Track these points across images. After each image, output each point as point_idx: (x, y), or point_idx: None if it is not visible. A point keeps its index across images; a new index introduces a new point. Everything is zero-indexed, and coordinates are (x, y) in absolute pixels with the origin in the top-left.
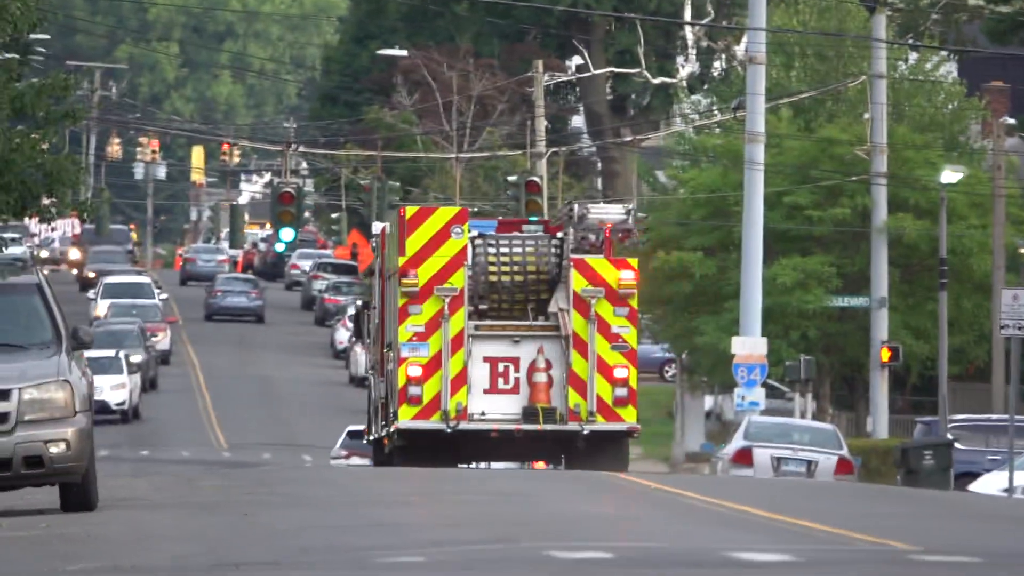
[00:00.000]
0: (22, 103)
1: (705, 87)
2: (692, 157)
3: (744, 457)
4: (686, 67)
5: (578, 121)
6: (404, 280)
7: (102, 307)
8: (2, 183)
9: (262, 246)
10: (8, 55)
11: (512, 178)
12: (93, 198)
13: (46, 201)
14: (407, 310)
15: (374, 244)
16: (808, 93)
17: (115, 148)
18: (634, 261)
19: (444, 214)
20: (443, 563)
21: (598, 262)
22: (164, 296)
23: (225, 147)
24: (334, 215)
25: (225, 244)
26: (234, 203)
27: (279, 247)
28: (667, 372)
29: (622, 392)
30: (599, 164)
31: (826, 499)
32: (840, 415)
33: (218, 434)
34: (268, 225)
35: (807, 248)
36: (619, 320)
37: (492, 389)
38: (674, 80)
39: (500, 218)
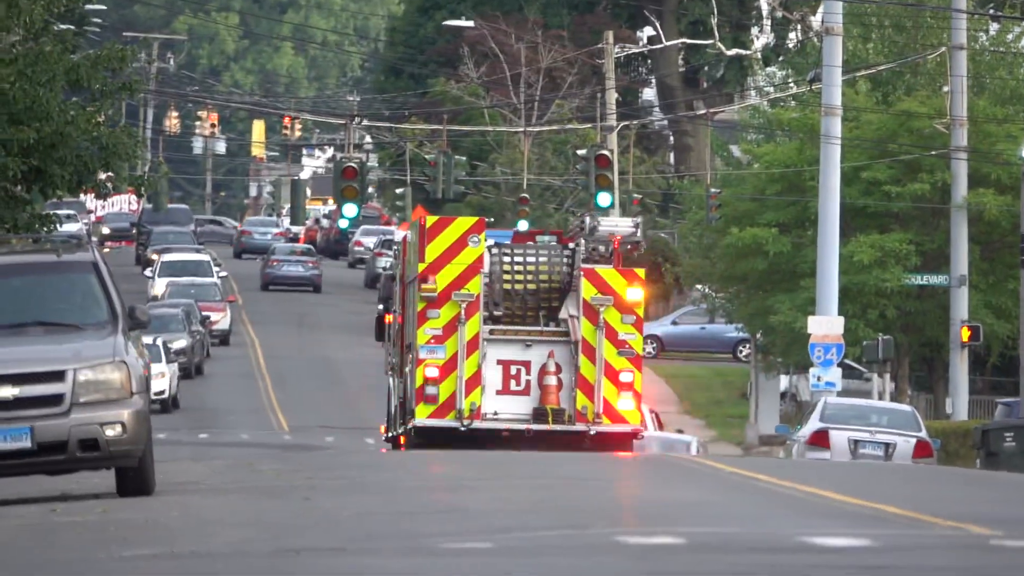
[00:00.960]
0: (78, 75)
1: (780, 59)
2: (767, 131)
3: (820, 439)
4: (761, 38)
5: (650, 94)
6: (423, 286)
7: (159, 286)
8: (57, 157)
9: (324, 222)
10: (64, 26)
11: (582, 152)
12: (150, 173)
13: (102, 176)
14: (426, 314)
15: (395, 250)
16: (886, 65)
17: (173, 122)
18: (641, 272)
19: (462, 224)
20: (511, 549)
21: (607, 272)
22: (223, 274)
23: (286, 121)
24: (398, 191)
25: (286, 220)
26: (295, 178)
27: (342, 223)
28: (741, 352)
29: (627, 395)
30: (671, 138)
31: (904, 482)
32: (918, 396)
33: (279, 417)
34: (331, 201)
35: (885, 225)
36: (626, 327)
37: (504, 390)
38: (748, 52)
39: (515, 230)
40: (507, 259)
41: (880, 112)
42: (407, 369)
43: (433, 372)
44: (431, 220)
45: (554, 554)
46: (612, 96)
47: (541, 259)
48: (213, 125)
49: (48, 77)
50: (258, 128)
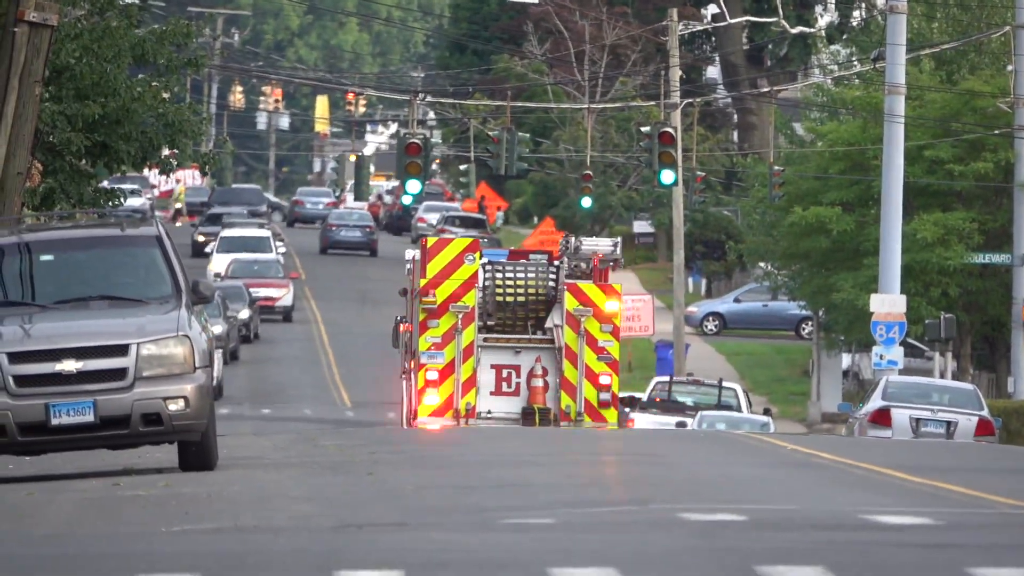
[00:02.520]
0: (143, 51)
1: (844, 37)
2: (830, 109)
3: (882, 417)
4: (825, 16)
5: (713, 72)
6: (424, 299)
7: (219, 263)
8: (122, 133)
9: (387, 198)
10: (128, 1)
11: (645, 129)
12: (215, 149)
13: (166, 152)
14: (427, 324)
15: (408, 268)
16: (950, 44)
17: (237, 97)
18: (618, 287)
19: (459, 244)
20: (572, 524)
21: (588, 286)
22: (284, 250)
23: (350, 96)
24: (462, 167)
25: (350, 196)
26: (359, 154)
27: (405, 199)
28: (803, 330)
29: (606, 396)
30: (735, 116)
31: (966, 461)
32: (980, 375)
33: (342, 392)
34: (394, 177)
35: (948, 203)
36: (604, 336)
37: (496, 391)
38: (812, 30)
39: (512, 248)
40: (499, 275)
41: (944, 91)
42: (412, 375)
43: (433, 375)
44: (432, 240)
45: (615, 530)
46: (676, 73)
47: (529, 275)
48: (277, 101)
49: (114, 53)
50: (322, 104)
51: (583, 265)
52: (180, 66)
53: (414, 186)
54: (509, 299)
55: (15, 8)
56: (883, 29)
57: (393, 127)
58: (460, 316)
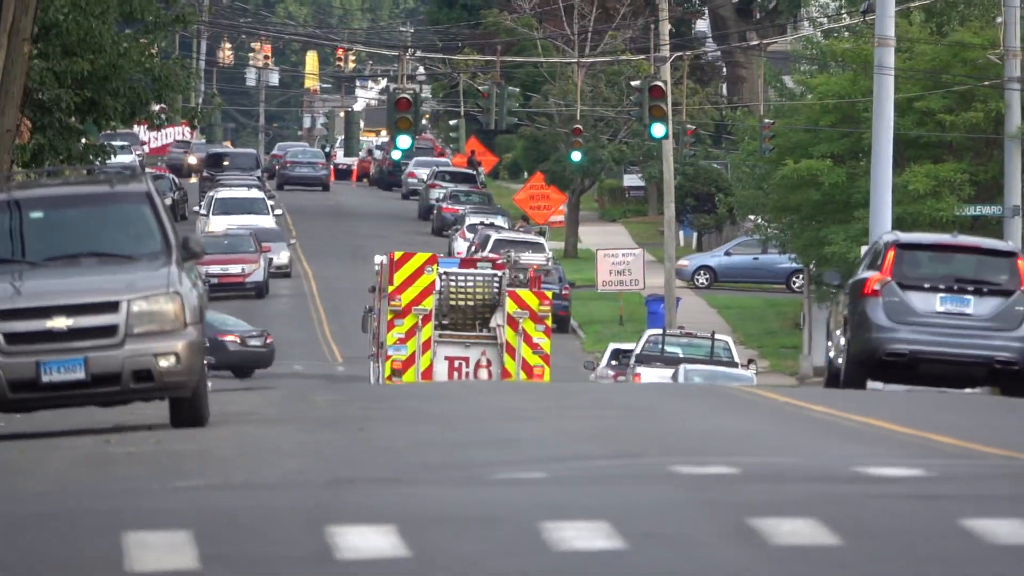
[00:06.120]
0: (131, 7)
1: None
2: (820, 62)
3: None
4: None
5: (703, 25)
6: (392, 302)
7: (216, 224)
8: (111, 89)
9: (378, 154)
10: None
11: (635, 83)
12: (204, 105)
13: (155, 108)
14: (393, 323)
15: (376, 269)
16: None
17: (226, 54)
18: (549, 294)
19: (420, 258)
20: (564, 479)
21: (525, 293)
22: (279, 212)
23: (340, 52)
24: (452, 122)
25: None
26: (349, 110)
27: (395, 155)
28: (794, 283)
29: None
30: (724, 69)
31: (958, 413)
32: None
33: (332, 348)
34: (384, 133)
35: (938, 155)
36: (538, 334)
37: (449, 378)
38: None
39: (463, 257)
40: (453, 283)
41: (933, 43)
42: (380, 362)
43: (398, 365)
44: (398, 254)
45: (608, 483)
46: (665, 27)
47: (478, 282)
48: (266, 57)
49: (101, 9)
50: (311, 60)
51: (520, 276)
52: (168, 22)
53: (404, 141)
54: (461, 303)
55: None
56: None
57: (383, 83)
58: (420, 316)
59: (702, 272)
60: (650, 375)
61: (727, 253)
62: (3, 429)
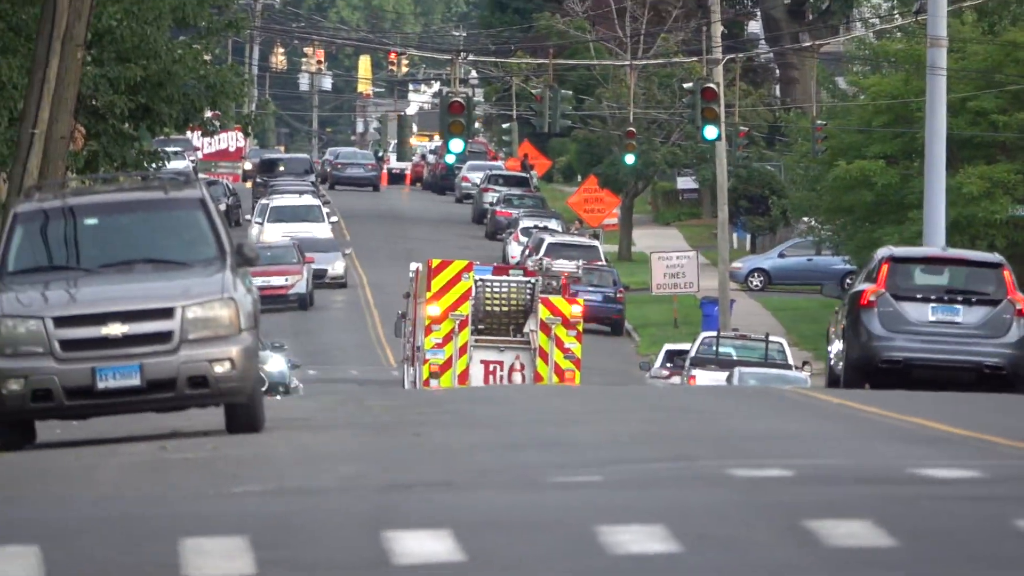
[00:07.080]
0: (184, 13)
1: None
2: (873, 63)
3: None
4: None
5: (755, 27)
6: (429, 308)
7: (271, 233)
8: (164, 95)
9: (431, 158)
10: None
11: (688, 85)
12: (257, 111)
13: (209, 114)
14: (431, 328)
15: (411, 276)
16: None
17: (279, 59)
18: (581, 300)
19: (457, 265)
20: (621, 482)
21: (558, 299)
22: (334, 219)
23: (392, 56)
24: (505, 125)
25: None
26: (402, 114)
27: (448, 159)
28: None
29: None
30: (777, 71)
31: (1011, 414)
32: None
33: (387, 352)
34: (437, 137)
35: (992, 155)
36: (570, 339)
37: (484, 382)
38: None
39: (496, 264)
40: (488, 289)
41: (986, 43)
42: (417, 366)
43: (435, 368)
44: (435, 262)
45: (664, 486)
46: (718, 29)
47: (512, 289)
48: (319, 62)
49: (155, 15)
50: (364, 64)
51: (554, 283)
52: (221, 28)
53: (457, 145)
54: (495, 309)
55: None
56: None
57: (436, 86)
58: (457, 322)
59: (756, 274)
60: (704, 378)
61: (781, 255)
62: (60, 436)
